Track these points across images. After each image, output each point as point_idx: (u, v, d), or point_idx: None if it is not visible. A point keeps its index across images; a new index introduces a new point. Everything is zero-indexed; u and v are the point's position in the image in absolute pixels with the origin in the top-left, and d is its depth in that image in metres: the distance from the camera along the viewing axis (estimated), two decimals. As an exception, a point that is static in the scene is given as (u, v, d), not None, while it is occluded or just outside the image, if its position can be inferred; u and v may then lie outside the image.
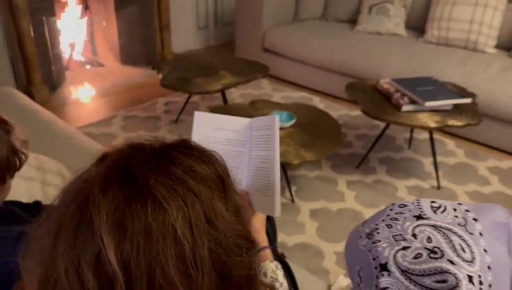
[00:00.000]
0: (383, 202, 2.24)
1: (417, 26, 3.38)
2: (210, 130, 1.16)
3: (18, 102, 2.23)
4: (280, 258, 1.20)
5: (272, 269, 1.05)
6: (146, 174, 0.49)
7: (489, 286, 0.52)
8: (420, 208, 0.59)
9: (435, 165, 2.37)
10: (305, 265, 1.83)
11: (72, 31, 3.63)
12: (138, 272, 0.45)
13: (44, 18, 3.09)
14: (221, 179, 0.56)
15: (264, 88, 3.46)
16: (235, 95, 3.29)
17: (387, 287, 0.53)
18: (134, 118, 2.99)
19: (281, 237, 2.00)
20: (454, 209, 0.58)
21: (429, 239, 0.54)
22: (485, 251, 0.54)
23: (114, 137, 2.75)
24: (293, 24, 3.74)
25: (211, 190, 0.53)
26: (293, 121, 2.23)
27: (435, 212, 0.59)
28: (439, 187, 2.36)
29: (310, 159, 2.02)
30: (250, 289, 0.55)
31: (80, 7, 3.60)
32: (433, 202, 0.61)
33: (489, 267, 0.53)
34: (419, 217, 0.57)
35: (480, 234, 0.55)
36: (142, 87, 3.45)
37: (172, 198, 0.48)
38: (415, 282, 0.52)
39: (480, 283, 0.52)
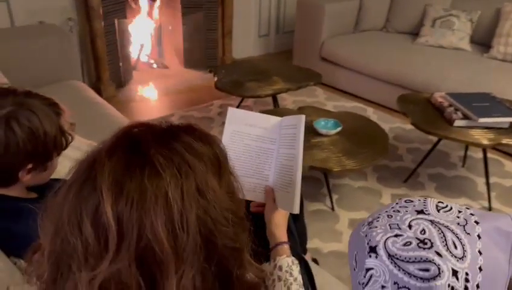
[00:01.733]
0: (426, 218, 2.17)
1: (483, 41, 3.24)
2: (241, 125, 1.22)
3: (84, 94, 2.43)
4: (300, 256, 1.22)
5: (287, 263, 1.07)
6: (149, 145, 0.56)
7: (477, 286, 0.53)
8: (425, 205, 0.61)
9: (487, 185, 2.25)
10: (336, 273, 1.82)
11: (142, 34, 3.86)
12: (130, 225, 0.51)
13: (116, 20, 3.32)
14: (217, 159, 0.61)
15: (317, 96, 3.47)
16: (288, 102, 3.33)
17: (372, 268, 0.56)
18: (190, 118, 3.13)
19: (316, 243, 2.01)
20: (459, 211, 0.59)
21: (423, 231, 0.55)
22: (480, 252, 0.54)
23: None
24: (353, 34, 3.72)
25: (206, 165, 0.58)
26: (338, 129, 2.23)
27: (438, 210, 0.60)
28: (490, 209, 2.24)
29: (351, 167, 2.01)
30: (235, 261, 0.60)
31: (150, 11, 3.82)
32: (440, 202, 0.61)
33: (480, 269, 0.53)
34: (420, 212, 0.59)
35: (479, 236, 0.55)
36: (200, 90, 3.59)
37: (168, 166, 0.54)
38: (399, 267, 0.54)
39: (467, 280, 0.52)
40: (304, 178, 1.12)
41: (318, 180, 2.43)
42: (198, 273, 0.54)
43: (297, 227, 1.36)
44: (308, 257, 1.57)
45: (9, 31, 2.69)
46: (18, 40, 2.48)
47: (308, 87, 2.81)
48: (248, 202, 1.21)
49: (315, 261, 1.83)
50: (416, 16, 3.51)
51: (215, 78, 2.74)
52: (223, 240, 0.57)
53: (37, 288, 0.60)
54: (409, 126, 3.00)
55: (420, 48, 3.32)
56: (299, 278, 1.07)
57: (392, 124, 3.07)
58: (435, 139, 2.60)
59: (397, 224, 0.57)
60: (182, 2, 3.70)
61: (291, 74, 2.84)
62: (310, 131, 2.24)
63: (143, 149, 0.55)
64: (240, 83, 2.67)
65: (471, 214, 0.58)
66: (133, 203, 0.52)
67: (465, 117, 2.13)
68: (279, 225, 1.14)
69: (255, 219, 1.18)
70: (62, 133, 1.05)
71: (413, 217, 0.58)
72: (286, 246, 1.11)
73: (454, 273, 0.52)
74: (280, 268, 1.07)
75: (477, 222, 0.57)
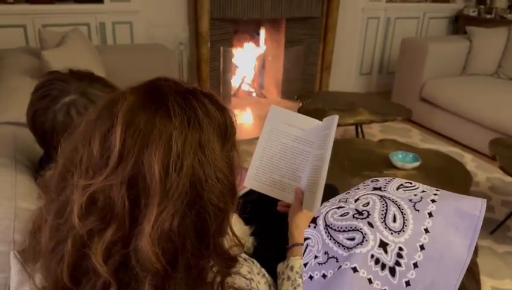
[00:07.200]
0: (508, 276, 1.90)
1: None
2: (281, 124, 1.23)
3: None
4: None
5: (300, 264, 1.04)
6: (169, 92, 0.62)
7: (415, 265, 0.48)
8: (387, 184, 0.57)
9: None
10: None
11: (245, 63, 4.09)
12: (131, 150, 0.58)
13: (221, 47, 3.59)
14: (225, 127, 0.65)
15: (411, 137, 3.30)
16: (378, 138, 3.22)
17: (309, 238, 0.55)
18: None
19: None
20: (423, 191, 0.55)
21: (367, 204, 0.53)
22: (426, 231, 0.50)
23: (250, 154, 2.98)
24: (460, 77, 3.53)
25: (213, 128, 0.63)
26: (416, 164, 2.10)
27: (397, 189, 0.56)
28: None
29: (421, 203, 1.87)
30: (215, 219, 0.61)
31: (254, 43, 4.05)
32: (408, 182, 0.58)
33: (422, 247, 0.49)
34: (376, 189, 0.56)
35: (430, 214, 0.51)
36: (292, 119, 3.64)
37: (180, 114, 0.60)
38: (331, 236, 0.52)
39: (399, 255, 0.49)
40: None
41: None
42: (177, 215, 0.57)
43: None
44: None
45: (128, 46, 3.10)
46: (132, 54, 2.85)
47: (403, 128, 2.72)
48: (276, 201, 1.21)
49: None
50: (534, 62, 3.20)
51: (299, 105, 2.78)
52: (209, 194, 0.59)
53: (45, 199, 0.67)
54: (510, 179, 2.69)
55: (535, 95, 3.00)
56: (310, 281, 1.03)
57: (491, 174, 2.79)
58: (536, 193, 2.31)
59: (346, 198, 0.56)
60: (286, 36, 3.87)
61: (379, 107, 2.76)
62: (385, 163, 2.15)
63: (163, 93, 0.62)
64: (322, 110, 2.67)
65: (435, 194, 0.53)
66: (140, 133, 0.58)
67: None
68: (299, 226, 1.11)
69: (282, 218, 1.18)
70: None
71: (366, 193, 0.55)
72: (302, 249, 1.08)
73: (383, 245, 0.48)
74: (291, 268, 1.04)
75: (433, 201, 0.52)
